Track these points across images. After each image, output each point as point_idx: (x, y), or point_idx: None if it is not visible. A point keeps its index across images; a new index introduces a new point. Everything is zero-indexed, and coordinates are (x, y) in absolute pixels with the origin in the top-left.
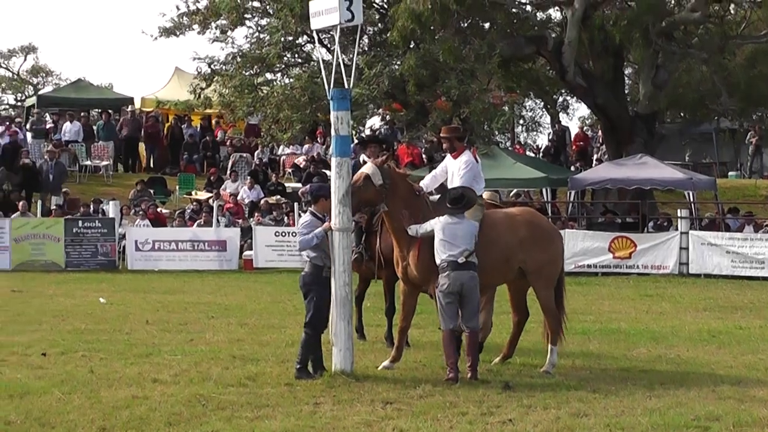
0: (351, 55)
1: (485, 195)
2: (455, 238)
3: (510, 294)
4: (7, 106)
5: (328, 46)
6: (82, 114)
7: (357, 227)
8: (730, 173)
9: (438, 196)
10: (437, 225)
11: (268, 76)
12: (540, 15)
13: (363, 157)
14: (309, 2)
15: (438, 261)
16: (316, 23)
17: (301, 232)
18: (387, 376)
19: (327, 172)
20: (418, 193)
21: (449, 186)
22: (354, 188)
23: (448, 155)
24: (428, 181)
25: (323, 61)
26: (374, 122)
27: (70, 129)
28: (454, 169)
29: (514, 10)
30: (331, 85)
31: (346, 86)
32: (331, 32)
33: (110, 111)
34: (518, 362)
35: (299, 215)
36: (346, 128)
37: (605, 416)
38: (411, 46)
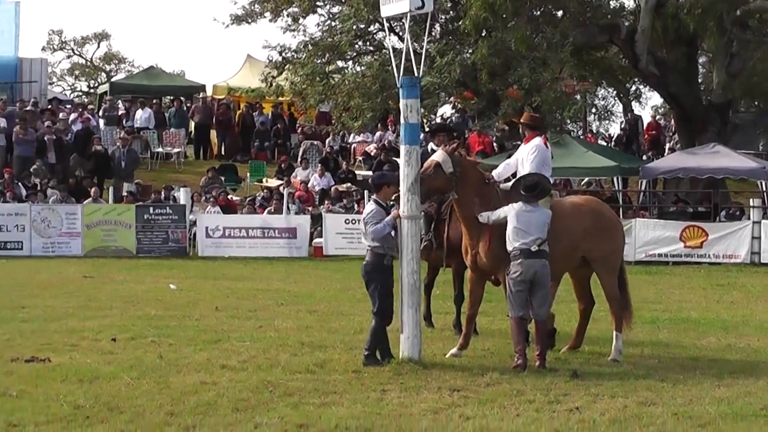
0: (422, 43)
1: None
2: (529, 226)
3: (574, 283)
4: (80, 93)
5: (400, 34)
6: (153, 101)
7: (427, 215)
8: None
9: (509, 184)
10: (511, 212)
11: (340, 64)
12: (613, 3)
13: (431, 145)
14: None
15: (510, 248)
16: (386, 11)
17: (370, 222)
18: (454, 364)
19: (397, 159)
20: (488, 181)
21: (519, 172)
22: (424, 176)
23: (522, 144)
24: (501, 170)
25: (394, 49)
26: (445, 110)
27: (141, 116)
28: (523, 156)
29: None
30: (401, 73)
31: (416, 74)
32: (402, 20)
33: (182, 98)
34: (586, 351)
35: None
36: (415, 116)
37: (673, 405)
38: (483, 34)
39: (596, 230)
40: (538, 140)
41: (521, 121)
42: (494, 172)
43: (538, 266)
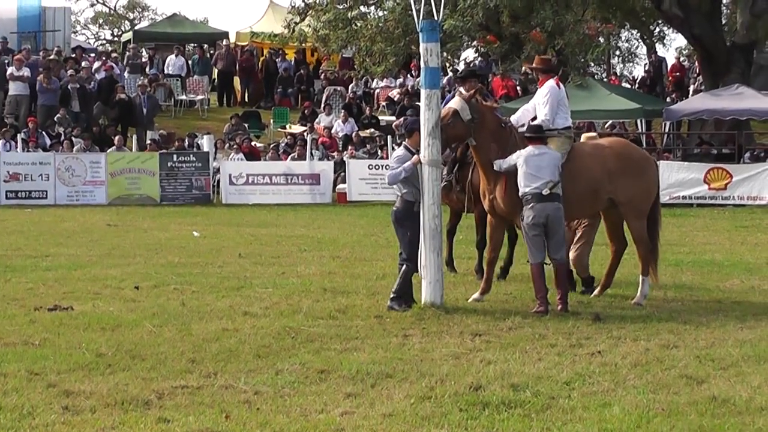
0: None
1: (583, 137)
2: (539, 170)
3: (606, 224)
4: (104, 42)
5: None
6: (174, 48)
7: (451, 158)
8: None
9: (526, 128)
10: (520, 158)
11: (362, 9)
12: None
13: (461, 90)
14: None
15: (521, 193)
16: None
17: (391, 166)
18: (476, 308)
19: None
20: (505, 125)
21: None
22: (442, 124)
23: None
24: (519, 115)
25: None
26: (468, 55)
27: (174, 63)
28: (537, 101)
29: None
30: (422, 17)
31: (436, 18)
32: None
33: (205, 45)
34: (609, 293)
35: (393, 148)
36: (435, 60)
37: (695, 348)
38: None
39: (621, 172)
40: (550, 82)
41: (533, 66)
42: (512, 118)
43: (551, 209)
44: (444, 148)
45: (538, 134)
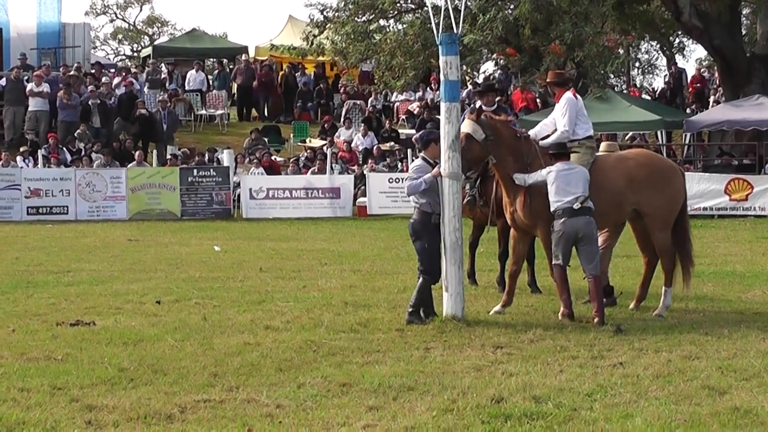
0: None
1: (602, 146)
2: (569, 185)
3: (636, 236)
4: (124, 57)
5: None
6: (194, 63)
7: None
8: None
9: (547, 141)
10: (551, 174)
11: (381, 22)
12: None
13: (479, 104)
14: None
15: (553, 208)
16: None
17: (410, 177)
18: (498, 321)
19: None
20: (519, 136)
21: (557, 128)
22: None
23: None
24: (538, 129)
25: (434, 6)
26: (488, 67)
27: (195, 78)
28: (556, 115)
29: None
30: (441, 31)
31: (456, 31)
32: None
33: (224, 60)
34: (628, 304)
35: (413, 161)
36: (455, 73)
37: (717, 359)
38: None
39: (645, 183)
40: (567, 94)
41: (547, 81)
42: (531, 132)
43: (582, 224)
44: (466, 172)
45: (562, 151)
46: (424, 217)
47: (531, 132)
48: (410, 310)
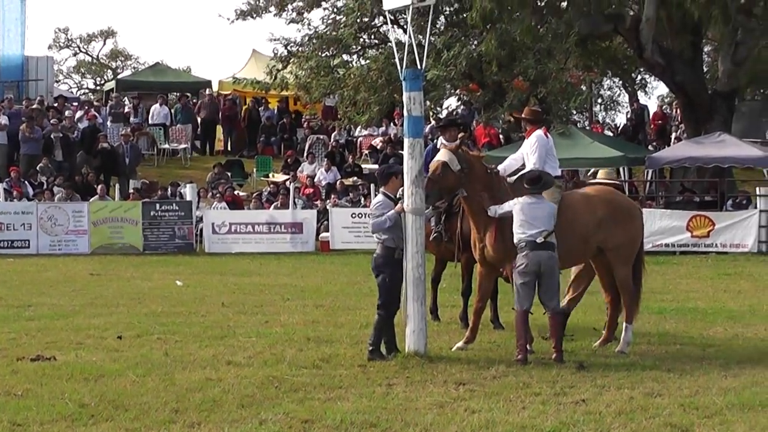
0: (426, 36)
1: (601, 173)
2: (535, 219)
3: (599, 273)
4: (87, 91)
5: (404, 26)
6: (158, 97)
7: (441, 210)
8: None
9: (515, 178)
10: (517, 205)
11: (345, 57)
12: None
13: (441, 140)
14: None
15: (516, 241)
16: (388, 3)
17: (373, 214)
18: (460, 357)
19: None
20: (489, 172)
21: (525, 166)
22: (434, 177)
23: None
24: (507, 164)
25: (398, 42)
26: (451, 103)
27: (158, 112)
28: (526, 150)
29: None
30: (405, 66)
31: (420, 67)
32: (406, 13)
33: (188, 94)
34: (593, 342)
35: (376, 196)
36: (418, 108)
37: (679, 396)
38: (488, 26)
39: (610, 220)
40: (538, 132)
41: (521, 116)
42: (500, 167)
43: (545, 258)
44: (436, 202)
45: (536, 185)
46: (387, 251)
47: (500, 167)
48: (370, 348)
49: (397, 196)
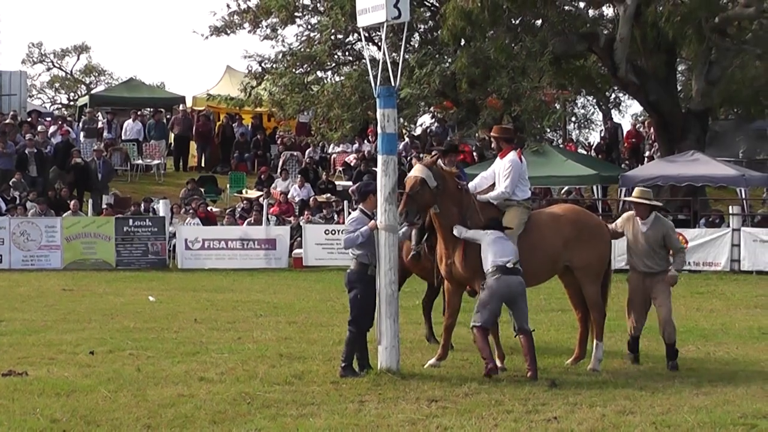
0: (400, 53)
1: (636, 192)
2: (504, 247)
3: (568, 291)
4: (60, 106)
5: (378, 44)
6: (131, 112)
7: (419, 227)
8: None
9: (486, 196)
10: (486, 238)
11: (319, 74)
12: (592, 12)
13: (439, 162)
14: None
15: (486, 267)
16: (362, 21)
17: (347, 230)
18: (433, 374)
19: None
20: (460, 188)
21: (496, 184)
22: (413, 194)
23: (496, 160)
24: (477, 182)
25: (372, 59)
26: (425, 120)
27: (132, 128)
28: (498, 170)
29: (566, 7)
30: (379, 83)
31: (393, 84)
32: (380, 30)
33: (162, 110)
34: (565, 360)
35: (349, 213)
36: (392, 126)
37: (651, 414)
38: (462, 44)
39: (577, 239)
40: (512, 155)
41: (494, 135)
42: (471, 184)
43: (514, 283)
44: (413, 218)
45: (498, 224)
46: (360, 267)
47: (470, 184)
48: (343, 364)
49: (374, 212)
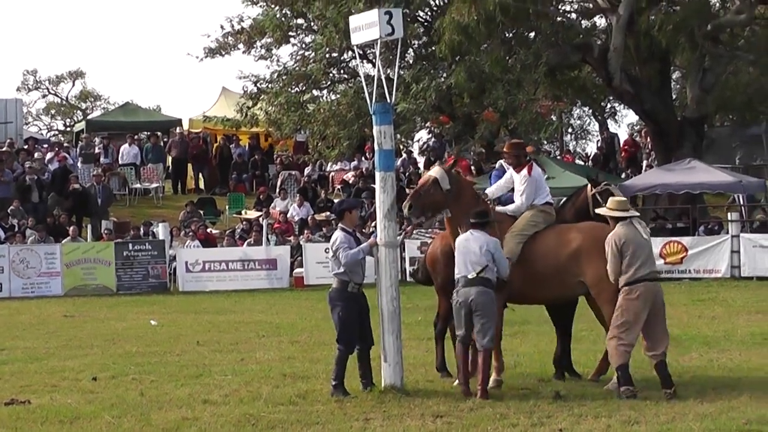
0: (395, 69)
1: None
2: (467, 254)
3: (594, 310)
4: (57, 132)
5: (373, 61)
6: (128, 137)
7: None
8: None
9: (505, 208)
10: (457, 242)
11: (315, 93)
12: (585, 23)
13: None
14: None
15: (455, 276)
16: (356, 38)
17: (341, 248)
18: (437, 390)
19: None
20: (479, 199)
21: (514, 199)
22: (421, 191)
23: (511, 168)
24: (494, 190)
25: (367, 76)
26: (422, 136)
27: (128, 152)
28: (517, 184)
29: (559, 18)
30: (374, 100)
31: (389, 100)
32: (374, 47)
33: (159, 133)
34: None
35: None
36: (389, 142)
37: (656, 423)
38: (457, 58)
39: (589, 253)
40: (524, 173)
41: (511, 151)
42: (488, 191)
43: (474, 293)
44: (418, 215)
45: (480, 220)
46: (341, 285)
47: (488, 190)
48: (333, 383)
49: (354, 229)
